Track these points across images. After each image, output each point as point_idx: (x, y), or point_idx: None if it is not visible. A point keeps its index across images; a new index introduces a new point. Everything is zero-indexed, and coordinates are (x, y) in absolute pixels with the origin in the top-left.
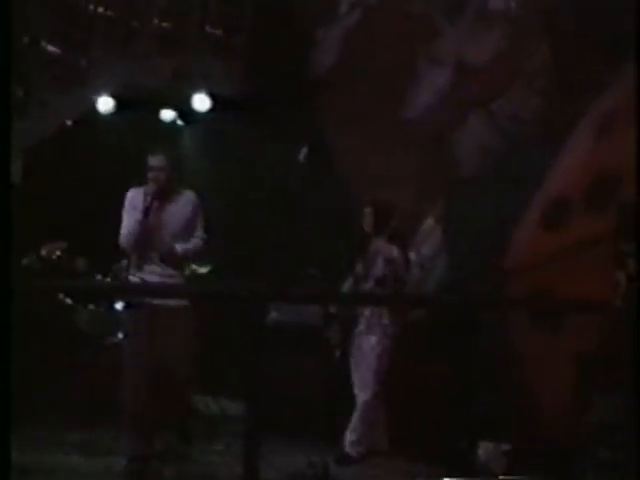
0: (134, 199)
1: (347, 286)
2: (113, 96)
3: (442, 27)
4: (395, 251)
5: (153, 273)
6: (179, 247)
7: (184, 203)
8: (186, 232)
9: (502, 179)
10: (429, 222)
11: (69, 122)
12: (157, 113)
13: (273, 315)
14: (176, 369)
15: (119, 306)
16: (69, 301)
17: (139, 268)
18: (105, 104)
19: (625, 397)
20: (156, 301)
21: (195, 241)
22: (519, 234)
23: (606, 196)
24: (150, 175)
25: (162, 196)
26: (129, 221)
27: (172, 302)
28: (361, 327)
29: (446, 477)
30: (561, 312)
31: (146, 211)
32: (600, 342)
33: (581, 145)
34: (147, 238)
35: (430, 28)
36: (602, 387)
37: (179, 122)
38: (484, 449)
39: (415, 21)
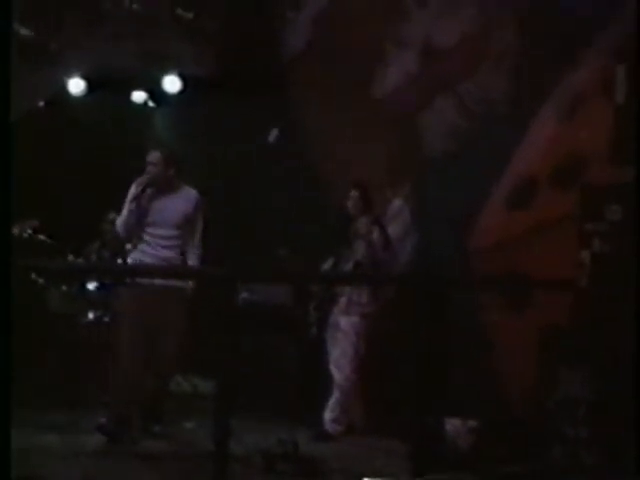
0: (131, 190)
1: (327, 266)
2: (84, 78)
3: (410, 9)
4: (376, 232)
5: (145, 254)
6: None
7: (184, 198)
8: (185, 227)
9: (470, 160)
10: (397, 202)
11: (40, 104)
12: (128, 95)
13: (244, 295)
14: (170, 347)
15: (91, 286)
16: (41, 281)
17: (134, 250)
18: (76, 86)
19: (588, 373)
20: (145, 281)
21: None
22: (486, 213)
23: (571, 176)
24: (146, 169)
25: (157, 187)
26: (124, 210)
27: (161, 282)
28: (340, 306)
29: (414, 453)
30: (527, 290)
31: (136, 200)
32: (565, 317)
33: (547, 125)
34: (138, 225)
35: (398, 10)
36: (566, 364)
37: (150, 104)
38: (452, 425)
39: (384, 3)
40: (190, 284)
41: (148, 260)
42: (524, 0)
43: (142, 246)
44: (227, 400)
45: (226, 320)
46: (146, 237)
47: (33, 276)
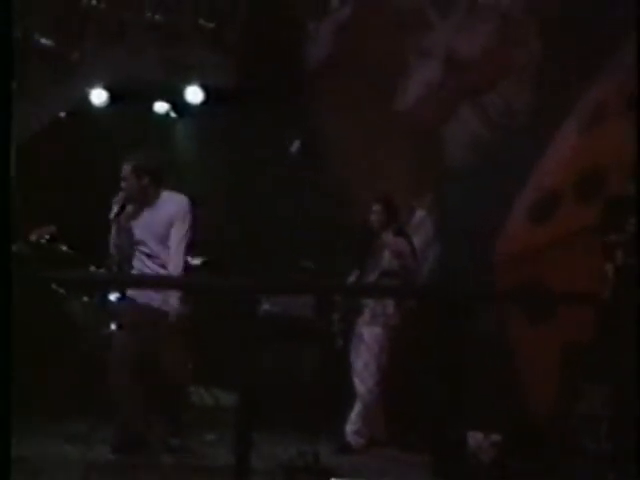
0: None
1: (352, 279)
2: (106, 88)
3: (433, 20)
4: (404, 244)
5: (139, 272)
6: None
7: (165, 208)
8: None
9: (492, 171)
10: (420, 214)
11: (62, 114)
12: (150, 106)
13: (265, 307)
14: (168, 363)
15: (113, 297)
16: (62, 291)
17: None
18: (98, 96)
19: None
20: (142, 299)
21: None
22: (509, 226)
23: (594, 188)
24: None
25: (137, 201)
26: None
27: (158, 304)
28: (365, 317)
29: (436, 466)
30: (549, 304)
31: (115, 219)
32: (588, 333)
33: (570, 137)
34: (127, 244)
35: (421, 21)
36: (590, 378)
37: (172, 114)
38: (474, 439)
39: (406, 14)
40: (175, 309)
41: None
42: (548, 12)
43: (137, 264)
44: (248, 412)
45: (248, 332)
46: (139, 255)
47: (54, 287)
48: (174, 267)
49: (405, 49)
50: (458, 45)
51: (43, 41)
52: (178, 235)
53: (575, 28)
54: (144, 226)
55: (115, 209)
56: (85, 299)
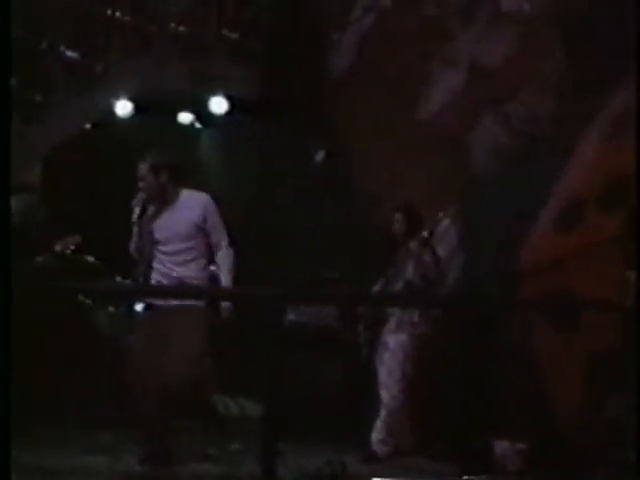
0: (134, 212)
1: (377, 288)
2: (131, 100)
3: (455, 29)
4: (427, 254)
5: (159, 273)
6: (222, 277)
7: (188, 206)
8: (198, 237)
9: (516, 180)
10: (444, 223)
11: (88, 126)
12: (175, 116)
13: (291, 316)
14: (189, 370)
15: (139, 307)
16: (88, 302)
17: (151, 272)
18: (123, 108)
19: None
20: (160, 302)
21: (221, 255)
22: (533, 235)
23: (618, 196)
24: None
25: (157, 201)
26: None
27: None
28: (390, 326)
29: (463, 475)
30: (574, 312)
31: (138, 220)
32: (612, 341)
33: (594, 145)
34: (149, 245)
35: (443, 30)
36: (615, 386)
37: (197, 125)
38: (500, 448)
39: (428, 23)
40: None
41: (162, 280)
42: (570, 20)
43: (157, 265)
44: (274, 422)
45: (273, 341)
46: (159, 256)
47: (80, 297)
48: (227, 271)
49: (427, 58)
50: (480, 54)
51: (68, 53)
52: (220, 236)
53: (597, 36)
54: (165, 225)
55: (137, 211)
56: (111, 309)
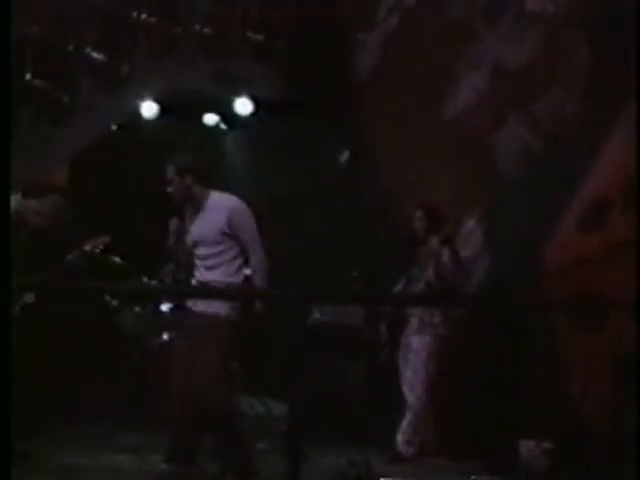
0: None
1: (400, 287)
2: (156, 101)
3: (480, 30)
4: (445, 253)
5: (198, 280)
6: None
7: (216, 209)
8: (226, 242)
9: (542, 180)
10: (470, 224)
11: (114, 127)
12: (200, 117)
13: (316, 315)
14: (214, 373)
15: (165, 307)
16: (115, 303)
17: (188, 276)
18: (149, 109)
19: None
20: (195, 307)
21: (254, 260)
22: (559, 235)
23: None
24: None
25: (190, 204)
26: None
27: (210, 310)
28: (412, 326)
29: (488, 475)
30: (599, 313)
31: (176, 235)
32: (637, 342)
33: (619, 146)
34: (179, 249)
35: (468, 31)
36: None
37: (222, 126)
38: (525, 448)
39: (453, 24)
40: (231, 312)
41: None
42: (594, 20)
43: (195, 269)
44: (299, 422)
45: (298, 341)
46: (195, 260)
47: (107, 298)
48: (262, 274)
49: (452, 59)
50: (506, 54)
51: (95, 55)
52: (253, 239)
53: (621, 36)
54: (195, 229)
55: (173, 222)
56: (137, 310)
